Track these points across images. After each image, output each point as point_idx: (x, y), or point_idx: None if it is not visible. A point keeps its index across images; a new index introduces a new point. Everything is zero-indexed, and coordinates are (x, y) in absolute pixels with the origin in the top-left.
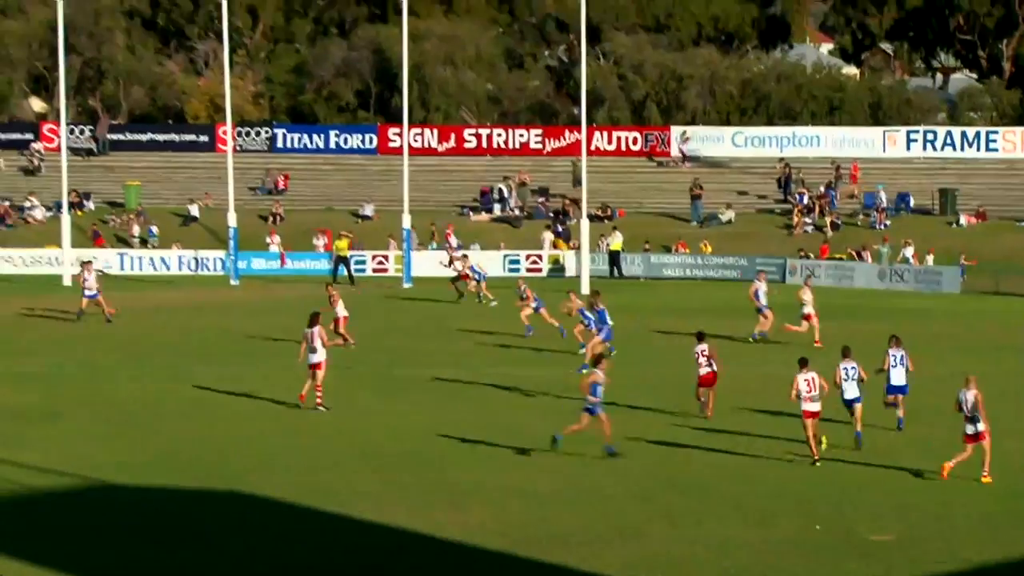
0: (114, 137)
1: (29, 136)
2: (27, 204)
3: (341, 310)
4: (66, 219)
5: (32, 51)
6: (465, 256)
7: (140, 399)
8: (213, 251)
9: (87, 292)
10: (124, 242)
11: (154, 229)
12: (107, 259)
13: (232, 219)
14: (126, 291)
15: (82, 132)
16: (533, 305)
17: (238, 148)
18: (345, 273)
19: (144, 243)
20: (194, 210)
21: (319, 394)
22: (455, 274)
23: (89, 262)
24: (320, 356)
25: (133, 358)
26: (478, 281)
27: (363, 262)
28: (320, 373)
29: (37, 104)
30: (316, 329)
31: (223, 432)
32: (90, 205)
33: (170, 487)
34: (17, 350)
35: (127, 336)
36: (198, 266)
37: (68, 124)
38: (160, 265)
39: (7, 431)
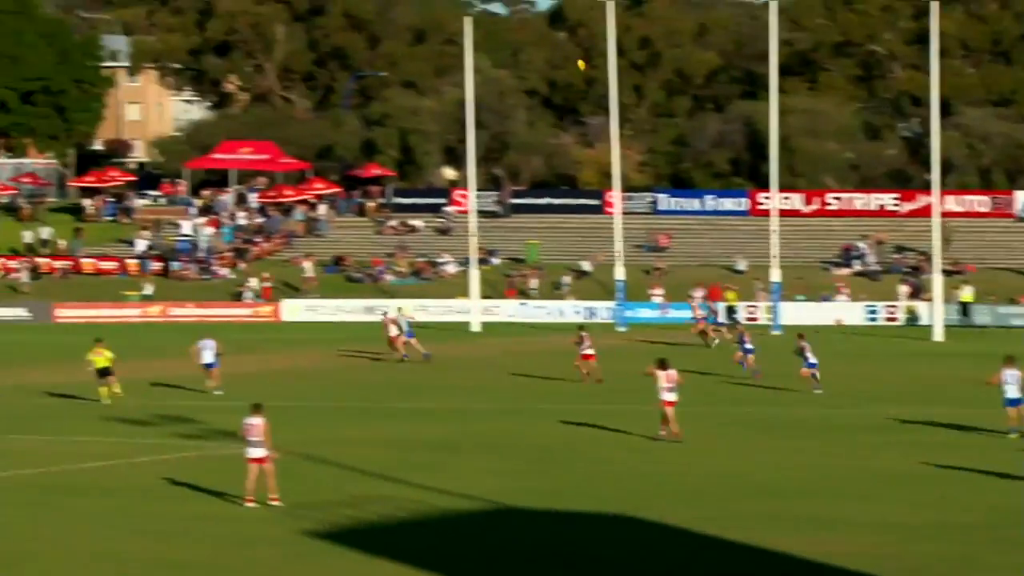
0: (516, 201)
1: (442, 200)
2: (440, 260)
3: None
4: (475, 273)
5: (445, 126)
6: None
7: (539, 434)
8: (603, 302)
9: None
10: (523, 293)
11: (566, 279)
12: (511, 309)
13: (620, 273)
14: (522, 336)
15: (488, 197)
16: None
17: (624, 211)
18: (722, 321)
19: (557, 289)
20: (586, 265)
21: (675, 430)
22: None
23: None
24: (673, 396)
25: (510, 395)
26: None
27: (735, 311)
28: (670, 411)
29: (449, 172)
30: (670, 372)
31: (617, 462)
32: (495, 261)
33: (572, 511)
34: (418, 389)
35: (511, 376)
36: (590, 315)
37: (476, 190)
38: (556, 314)
39: (421, 460)
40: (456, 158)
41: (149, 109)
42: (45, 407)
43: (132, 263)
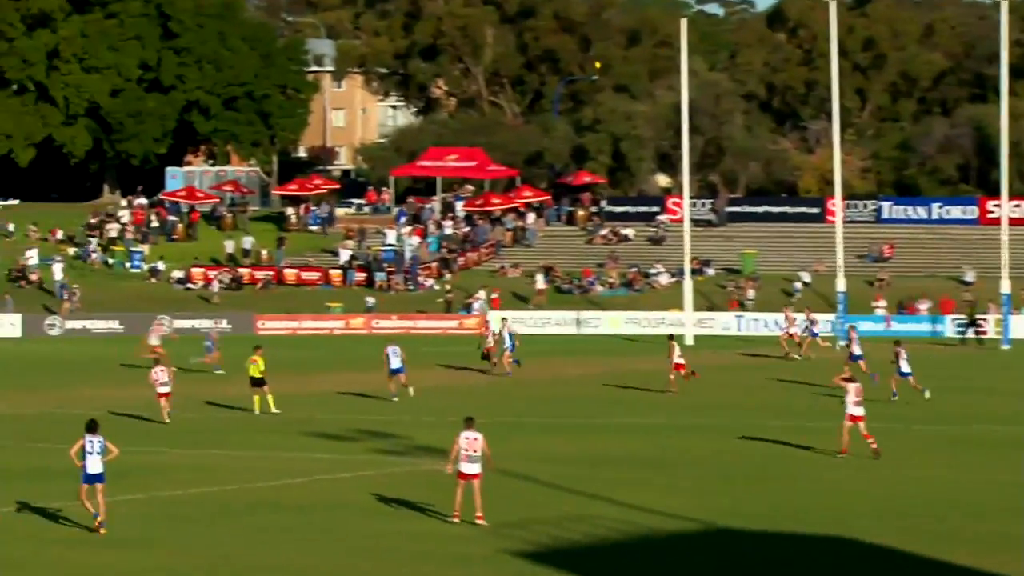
0: (732, 209)
1: (655, 209)
2: (653, 270)
3: None
4: (688, 284)
5: (659, 131)
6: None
7: (737, 452)
8: (822, 314)
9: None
10: (741, 305)
11: (798, 286)
12: (725, 321)
13: (841, 284)
14: (735, 348)
15: (703, 205)
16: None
17: (846, 219)
18: (972, 334)
19: (790, 296)
20: (805, 276)
21: (874, 446)
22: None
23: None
24: (860, 410)
25: (710, 412)
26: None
27: (963, 325)
28: (862, 425)
29: (663, 180)
30: (859, 385)
31: (827, 480)
32: (709, 271)
33: (784, 533)
34: (617, 403)
35: (714, 392)
36: (809, 328)
37: (691, 198)
38: (773, 327)
39: (622, 476)
40: (670, 165)
41: (354, 115)
42: (247, 420)
43: (335, 273)
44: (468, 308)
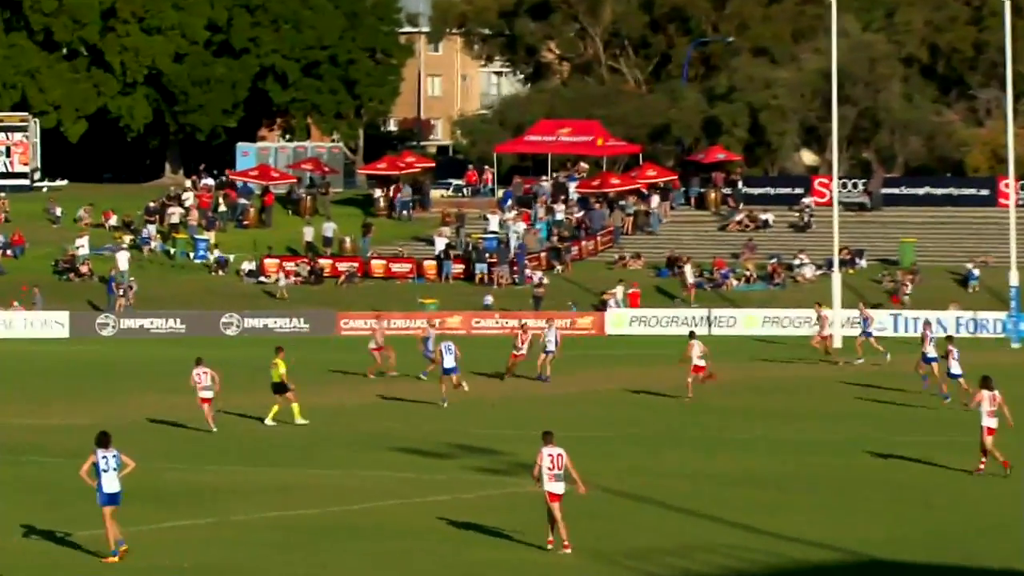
0: (888, 191)
1: (799, 190)
2: (796, 261)
3: None
4: (836, 277)
5: (804, 101)
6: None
7: (870, 469)
8: (992, 312)
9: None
10: (902, 303)
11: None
12: (880, 319)
13: (1014, 278)
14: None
15: (855, 186)
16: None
17: (1020, 202)
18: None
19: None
20: (972, 269)
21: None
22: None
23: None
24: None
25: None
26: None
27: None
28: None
29: (808, 157)
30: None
31: (981, 501)
32: (862, 263)
33: (953, 566)
34: (732, 413)
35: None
36: (976, 327)
37: (840, 178)
38: (937, 327)
39: (751, 497)
40: (816, 139)
41: (453, 83)
42: (330, 435)
43: (429, 265)
44: (602, 305)
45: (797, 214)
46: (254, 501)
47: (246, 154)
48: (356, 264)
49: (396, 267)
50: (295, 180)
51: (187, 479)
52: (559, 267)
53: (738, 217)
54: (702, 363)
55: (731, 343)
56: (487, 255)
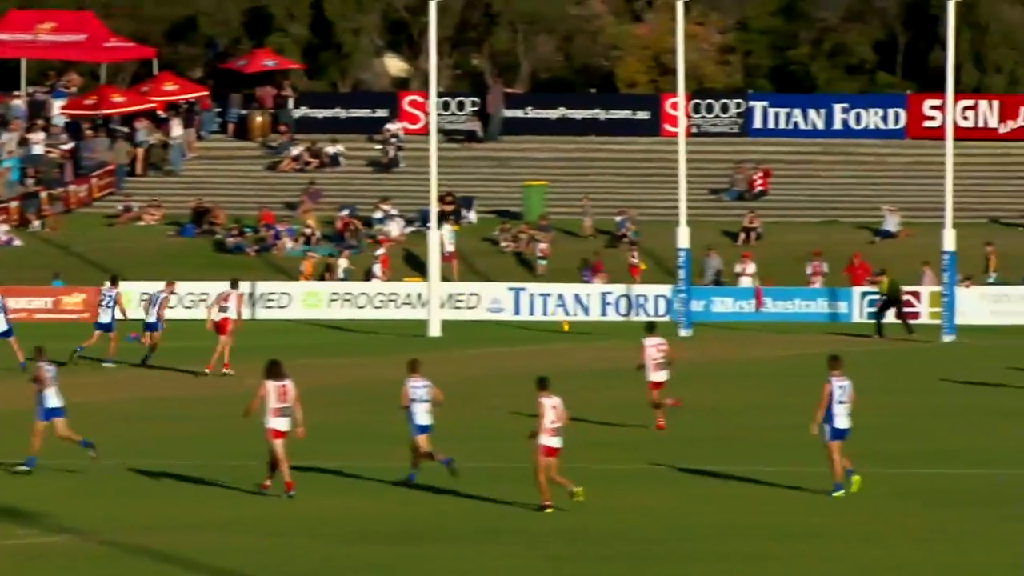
0: (510, 113)
1: (382, 113)
2: (377, 215)
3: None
4: (434, 236)
5: None
6: None
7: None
8: (652, 286)
9: None
10: (528, 264)
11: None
12: (499, 296)
13: (683, 238)
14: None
15: (461, 107)
16: None
17: (694, 130)
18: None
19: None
20: (626, 223)
21: None
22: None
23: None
24: None
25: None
26: None
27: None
28: None
29: (395, 65)
30: None
31: None
32: (471, 216)
33: None
34: None
35: None
36: (631, 308)
37: (441, 95)
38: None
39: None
40: (408, 40)
41: None
42: None
43: None
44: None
45: (379, 147)
46: None
47: None
48: None
49: None
50: None
51: None
52: (37, 222)
53: (295, 151)
54: (662, 376)
55: (290, 331)
56: None
